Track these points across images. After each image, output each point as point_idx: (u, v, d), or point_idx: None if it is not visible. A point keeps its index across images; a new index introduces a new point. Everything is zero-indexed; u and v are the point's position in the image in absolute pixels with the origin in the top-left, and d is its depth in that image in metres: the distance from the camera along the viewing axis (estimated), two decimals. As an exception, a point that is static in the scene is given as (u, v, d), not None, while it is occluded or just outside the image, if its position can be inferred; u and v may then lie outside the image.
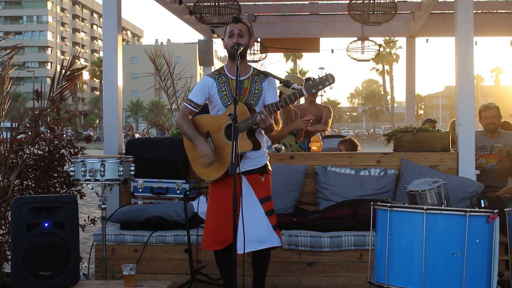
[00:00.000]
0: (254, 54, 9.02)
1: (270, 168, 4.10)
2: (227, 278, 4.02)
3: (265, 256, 4.01)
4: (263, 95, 4.00)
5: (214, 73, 4.08)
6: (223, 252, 3.96)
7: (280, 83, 4.18)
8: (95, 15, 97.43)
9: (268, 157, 4.11)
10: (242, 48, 3.88)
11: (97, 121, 68.41)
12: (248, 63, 4.18)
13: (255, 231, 3.85)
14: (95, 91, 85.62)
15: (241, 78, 3.98)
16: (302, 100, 6.98)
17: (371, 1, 6.78)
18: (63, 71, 5.17)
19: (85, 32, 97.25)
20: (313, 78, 3.85)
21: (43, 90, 5.08)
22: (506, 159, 5.66)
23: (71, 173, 4.38)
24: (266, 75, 4.06)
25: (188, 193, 4.67)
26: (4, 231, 4.63)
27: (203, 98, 4.04)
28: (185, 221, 4.49)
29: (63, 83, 5.16)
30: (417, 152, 5.31)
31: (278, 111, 3.99)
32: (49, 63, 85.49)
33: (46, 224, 3.85)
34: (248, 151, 3.89)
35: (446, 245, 3.32)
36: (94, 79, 77.29)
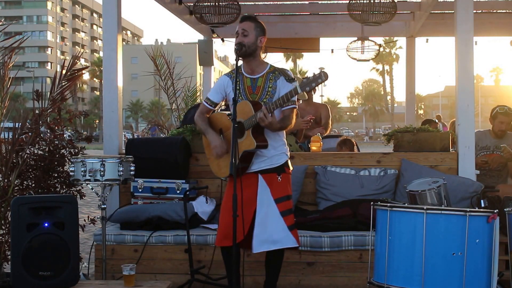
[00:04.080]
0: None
1: (290, 167, 4.09)
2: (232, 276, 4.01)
3: (277, 257, 4.01)
4: (278, 93, 4.00)
5: (231, 72, 4.14)
6: (230, 249, 3.93)
7: (286, 81, 4.19)
8: (95, 15, 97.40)
9: (288, 156, 4.10)
10: (244, 49, 3.90)
11: (97, 121, 68.41)
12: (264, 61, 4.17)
13: (269, 231, 3.86)
14: (95, 91, 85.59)
15: (255, 76, 4.02)
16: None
17: (371, 1, 6.78)
18: (64, 71, 5.17)
19: (85, 32, 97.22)
20: (307, 76, 3.87)
21: (44, 90, 5.08)
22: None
23: (71, 173, 4.37)
24: (281, 72, 4.07)
25: (188, 193, 4.67)
26: (4, 231, 4.63)
27: (220, 96, 4.13)
28: (185, 221, 4.49)
29: (64, 83, 5.16)
30: (417, 152, 5.30)
31: (295, 109, 4.01)
32: (49, 63, 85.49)
33: (46, 224, 3.85)
34: (252, 150, 3.90)
35: (446, 245, 3.32)
36: (94, 79, 77.29)
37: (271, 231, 3.87)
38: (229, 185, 4.04)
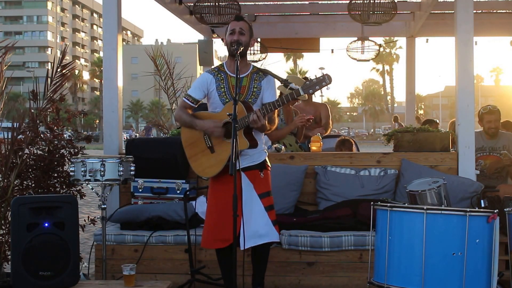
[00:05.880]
0: (254, 54, 9.02)
1: (269, 164, 4.11)
2: (228, 277, 4.02)
3: (264, 252, 4.01)
4: (262, 93, 4.01)
5: (213, 70, 4.10)
6: (225, 251, 3.96)
7: (281, 82, 4.19)
8: (95, 15, 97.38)
9: (267, 153, 4.12)
10: (242, 48, 3.88)
11: (97, 121, 68.39)
12: (248, 61, 4.19)
13: (255, 226, 3.86)
14: (95, 91, 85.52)
15: (240, 76, 3.97)
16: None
17: (371, 1, 6.78)
18: (55, 68, 5.15)
19: (85, 32, 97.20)
20: (310, 78, 3.86)
21: (38, 90, 5.06)
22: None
23: (71, 173, 4.38)
24: (265, 73, 4.07)
25: (188, 193, 4.67)
26: (4, 231, 4.63)
27: (202, 94, 4.07)
28: (185, 221, 4.49)
29: (57, 80, 5.14)
30: (417, 152, 5.31)
31: (276, 110, 4.00)
32: (49, 63, 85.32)
33: (46, 224, 3.85)
34: (245, 149, 3.90)
35: (446, 245, 3.32)
36: (94, 79, 77.14)
37: (256, 226, 3.87)
38: (214, 185, 4.03)
